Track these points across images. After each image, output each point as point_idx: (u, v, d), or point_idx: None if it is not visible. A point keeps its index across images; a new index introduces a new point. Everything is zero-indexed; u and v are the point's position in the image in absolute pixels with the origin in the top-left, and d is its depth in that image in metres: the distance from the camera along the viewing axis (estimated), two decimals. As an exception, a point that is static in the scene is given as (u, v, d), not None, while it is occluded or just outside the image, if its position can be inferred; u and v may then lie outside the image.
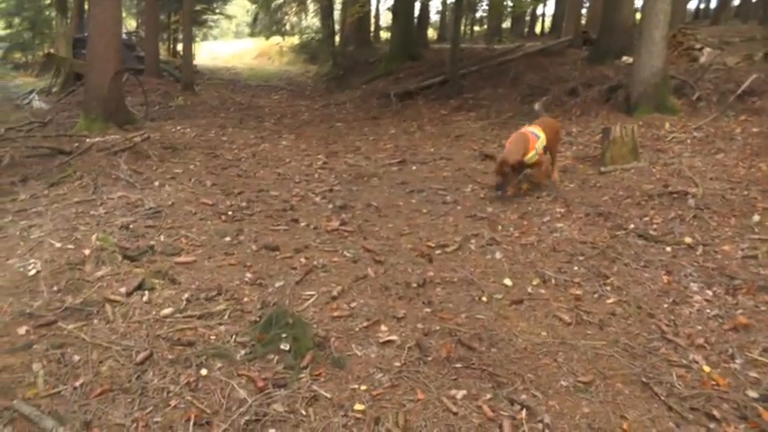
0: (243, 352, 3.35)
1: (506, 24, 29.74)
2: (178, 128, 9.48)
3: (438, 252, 4.84)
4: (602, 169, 6.81)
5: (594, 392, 3.07)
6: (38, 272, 3.96)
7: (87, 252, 4.27)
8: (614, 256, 4.64)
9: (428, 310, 3.91)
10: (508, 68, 13.09)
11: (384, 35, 26.21)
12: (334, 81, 18.48)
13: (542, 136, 6.35)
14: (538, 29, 31.91)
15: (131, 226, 5.02)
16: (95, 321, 3.56)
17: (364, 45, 21.64)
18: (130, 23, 27.69)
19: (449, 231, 5.33)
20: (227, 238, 4.95)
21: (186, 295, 3.92)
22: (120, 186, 6.44)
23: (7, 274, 3.99)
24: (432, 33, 28.83)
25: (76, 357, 3.21)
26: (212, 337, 3.49)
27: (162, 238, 4.81)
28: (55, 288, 3.84)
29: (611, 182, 6.45)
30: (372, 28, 25.59)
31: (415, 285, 4.22)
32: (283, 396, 3.00)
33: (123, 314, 3.65)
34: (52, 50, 23.02)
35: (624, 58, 11.82)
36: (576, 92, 10.04)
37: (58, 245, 4.38)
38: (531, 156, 6.22)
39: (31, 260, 4.11)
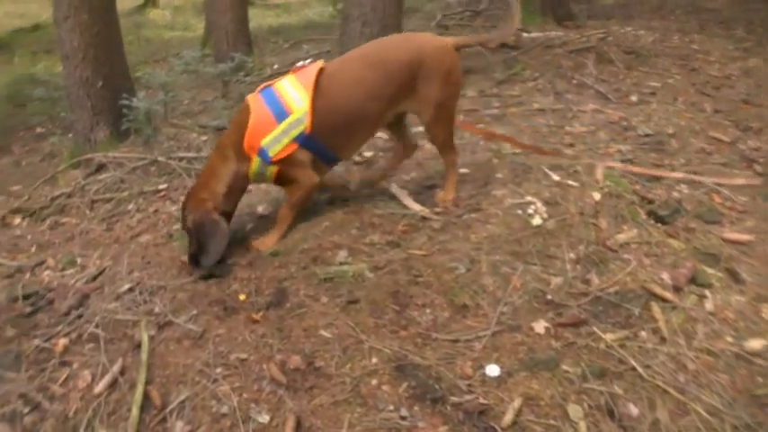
0: None
1: None
2: (628, 29, 7.58)
3: None
4: None
5: None
6: (543, 220, 2.74)
7: (597, 197, 2.93)
8: None
9: None
10: None
11: None
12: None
13: (303, 103, 2.61)
14: None
15: (634, 160, 3.56)
16: (642, 334, 2.21)
17: None
18: None
19: None
20: (774, 207, 3.16)
21: (766, 310, 2.34)
22: (587, 96, 5.04)
23: (500, 213, 2.84)
24: None
25: (634, 410, 1.91)
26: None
27: (684, 188, 3.24)
28: (571, 255, 2.56)
29: None
30: None
31: None
32: None
33: (681, 328, 2.22)
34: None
35: None
36: None
37: (556, 177, 3.12)
38: (256, 170, 2.71)
39: (527, 197, 2.91)
